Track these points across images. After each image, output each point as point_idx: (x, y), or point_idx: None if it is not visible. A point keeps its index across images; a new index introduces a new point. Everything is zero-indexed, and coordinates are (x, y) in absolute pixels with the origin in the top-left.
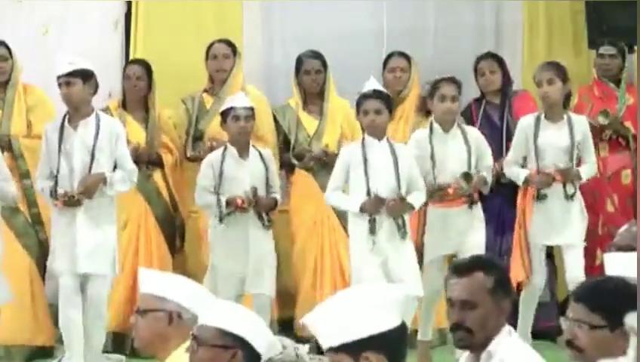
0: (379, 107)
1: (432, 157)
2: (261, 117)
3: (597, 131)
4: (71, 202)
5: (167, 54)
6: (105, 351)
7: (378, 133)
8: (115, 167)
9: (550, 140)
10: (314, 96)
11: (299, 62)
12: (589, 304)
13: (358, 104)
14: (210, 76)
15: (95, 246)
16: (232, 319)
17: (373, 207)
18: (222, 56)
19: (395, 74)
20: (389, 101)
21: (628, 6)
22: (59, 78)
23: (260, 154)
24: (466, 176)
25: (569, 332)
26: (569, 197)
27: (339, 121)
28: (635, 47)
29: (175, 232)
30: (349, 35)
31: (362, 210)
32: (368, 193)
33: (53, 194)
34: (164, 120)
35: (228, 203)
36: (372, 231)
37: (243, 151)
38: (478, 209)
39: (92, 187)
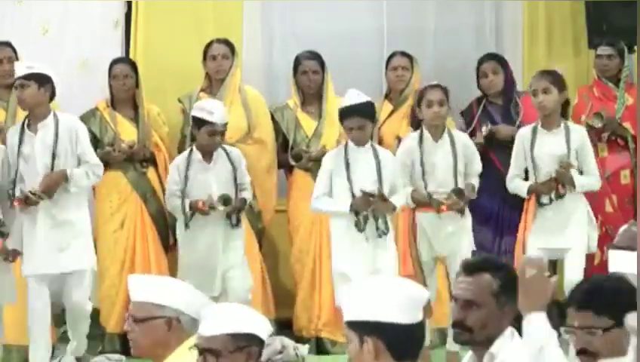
0: (361, 123)
1: (422, 164)
2: (259, 118)
3: (596, 132)
4: (29, 201)
5: (167, 54)
6: (105, 352)
7: (362, 142)
8: (79, 165)
9: (547, 149)
10: (312, 97)
11: (296, 62)
12: (594, 309)
13: (341, 117)
14: (208, 75)
15: (62, 245)
16: (237, 320)
17: (362, 202)
18: (221, 57)
19: (397, 72)
20: (370, 111)
21: (628, 6)
22: (15, 80)
23: (227, 154)
24: (458, 193)
25: (580, 341)
26: (558, 197)
27: (337, 121)
28: (635, 47)
29: (168, 230)
30: (349, 35)
31: (352, 208)
32: (353, 197)
33: (11, 197)
34: (154, 117)
35: (190, 206)
36: (359, 228)
37: (208, 155)
38: (467, 217)
39: (52, 185)
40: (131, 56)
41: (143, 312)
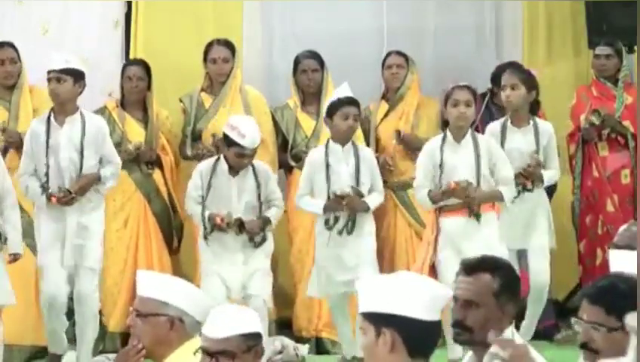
0: (357, 114)
1: (441, 165)
2: (259, 118)
3: (596, 129)
4: (66, 199)
5: (167, 54)
6: (106, 351)
7: (348, 138)
8: (100, 163)
9: (516, 145)
10: (312, 97)
11: (296, 61)
12: (605, 306)
13: (338, 105)
14: (208, 75)
15: (84, 241)
16: (245, 320)
17: (333, 205)
18: (221, 61)
19: (392, 70)
20: (359, 107)
21: (628, 6)
22: (50, 72)
23: (254, 170)
24: (466, 185)
25: (585, 335)
26: (524, 190)
27: None
28: (635, 47)
29: (172, 232)
30: (349, 35)
31: (325, 210)
32: (329, 197)
33: (46, 191)
34: (162, 120)
35: (209, 218)
36: (329, 226)
37: (235, 168)
38: (488, 218)
39: (87, 186)
40: (131, 56)
41: (147, 308)
